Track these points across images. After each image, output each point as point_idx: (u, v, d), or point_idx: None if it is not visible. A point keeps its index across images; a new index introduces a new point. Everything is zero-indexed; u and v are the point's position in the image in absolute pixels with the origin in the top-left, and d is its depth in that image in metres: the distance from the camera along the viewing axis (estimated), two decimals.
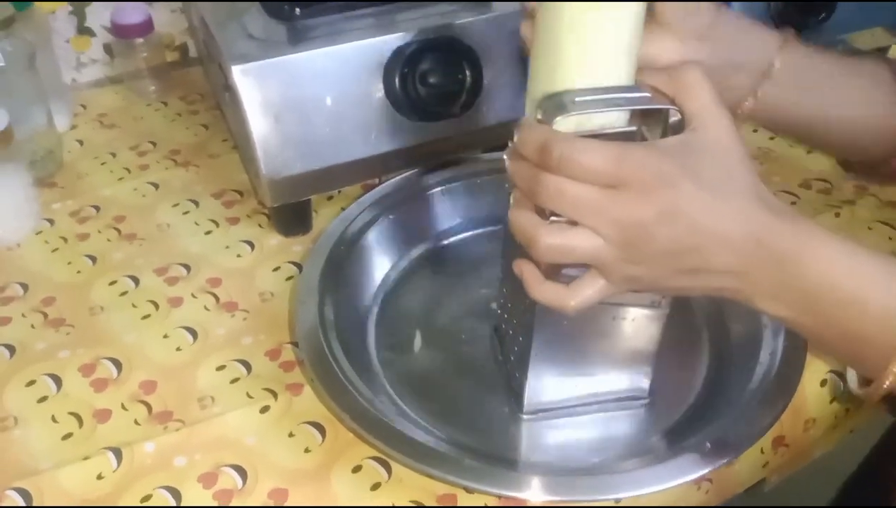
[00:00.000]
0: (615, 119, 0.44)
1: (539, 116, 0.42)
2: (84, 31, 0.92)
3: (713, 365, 0.57)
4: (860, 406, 0.61)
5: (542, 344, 0.50)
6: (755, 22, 0.52)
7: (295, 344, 0.60)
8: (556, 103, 0.42)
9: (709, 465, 0.46)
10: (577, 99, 0.42)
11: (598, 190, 0.39)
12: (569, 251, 0.41)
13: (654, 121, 0.44)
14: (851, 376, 0.46)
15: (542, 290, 0.44)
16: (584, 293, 0.43)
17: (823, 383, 0.58)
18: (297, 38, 0.66)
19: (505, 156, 0.43)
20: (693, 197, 0.39)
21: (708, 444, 0.47)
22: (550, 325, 0.49)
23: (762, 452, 0.55)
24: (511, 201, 0.44)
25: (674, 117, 0.42)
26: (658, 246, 0.40)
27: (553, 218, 0.41)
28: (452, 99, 0.67)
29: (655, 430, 0.53)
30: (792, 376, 0.52)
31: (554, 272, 0.44)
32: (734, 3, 0.79)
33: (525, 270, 0.44)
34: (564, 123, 0.41)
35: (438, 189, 0.70)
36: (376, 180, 0.73)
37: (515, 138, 0.42)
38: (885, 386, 0.42)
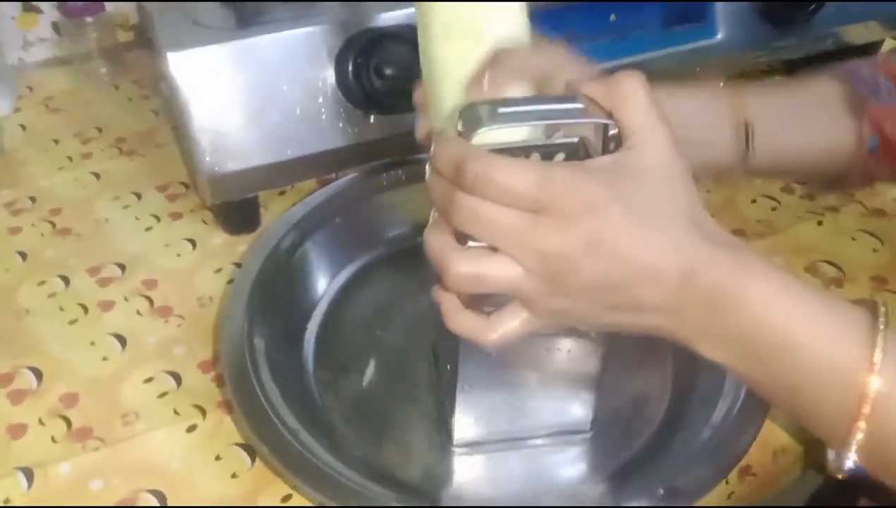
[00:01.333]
0: (562, 128, 0.39)
1: (459, 128, 0.38)
2: (30, 7, 0.86)
3: (675, 397, 0.53)
4: None
5: (470, 375, 0.46)
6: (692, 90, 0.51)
7: None
8: (477, 114, 0.37)
9: None
10: (500, 110, 0.37)
11: (517, 214, 0.35)
12: (483, 280, 0.36)
13: (594, 131, 0.40)
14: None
15: (459, 321, 0.39)
16: (504, 326, 0.38)
17: None
18: (244, 24, 0.62)
19: (426, 169, 0.39)
20: (621, 226, 0.35)
21: (661, 490, 0.42)
22: (478, 356, 0.44)
23: (727, 483, 0.52)
24: (430, 220, 0.39)
25: (613, 130, 0.38)
26: (583, 279, 0.36)
27: (471, 243, 0.37)
28: (409, 92, 0.63)
29: (603, 469, 0.49)
30: (757, 411, 0.47)
31: (476, 301, 0.39)
32: None
33: (442, 298, 0.40)
34: (489, 136, 0.37)
35: (393, 189, 0.65)
36: (333, 175, 0.68)
37: (432, 150, 0.38)
38: (847, 464, 0.37)
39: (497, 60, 0.42)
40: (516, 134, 0.39)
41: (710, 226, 0.37)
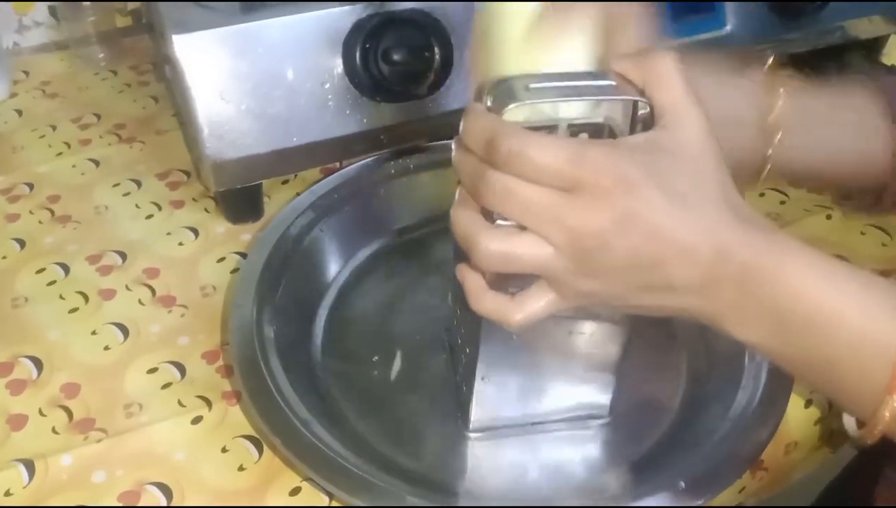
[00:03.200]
0: (579, 109, 0.39)
1: (488, 103, 0.37)
2: None
3: (690, 388, 0.52)
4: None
5: (490, 358, 0.45)
6: (730, 68, 0.49)
7: None
8: (508, 89, 0.36)
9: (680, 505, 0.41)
10: (531, 85, 0.36)
11: (550, 192, 0.35)
12: (513, 259, 0.36)
13: (622, 112, 0.39)
14: (848, 419, 0.42)
15: (484, 302, 0.39)
16: (530, 307, 0.38)
17: (808, 404, 0.54)
18: (250, 6, 0.60)
19: (452, 146, 0.38)
20: (656, 204, 0.35)
21: (682, 483, 0.42)
22: (498, 338, 0.44)
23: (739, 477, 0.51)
24: (455, 197, 0.39)
25: (643, 110, 0.37)
26: (615, 258, 0.35)
27: (499, 221, 0.36)
28: (419, 78, 0.62)
29: (621, 459, 0.49)
30: (777, 403, 0.47)
31: (500, 282, 0.38)
32: None
33: (467, 278, 0.39)
34: (518, 113, 0.36)
35: (401, 178, 0.64)
36: (337, 165, 0.67)
37: (461, 126, 0.37)
38: (876, 432, 0.37)
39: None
40: (542, 112, 0.38)
41: (744, 208, 0.37)
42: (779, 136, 0.48)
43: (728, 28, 0.75)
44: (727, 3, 0.74)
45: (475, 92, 0.42)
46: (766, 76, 0.49)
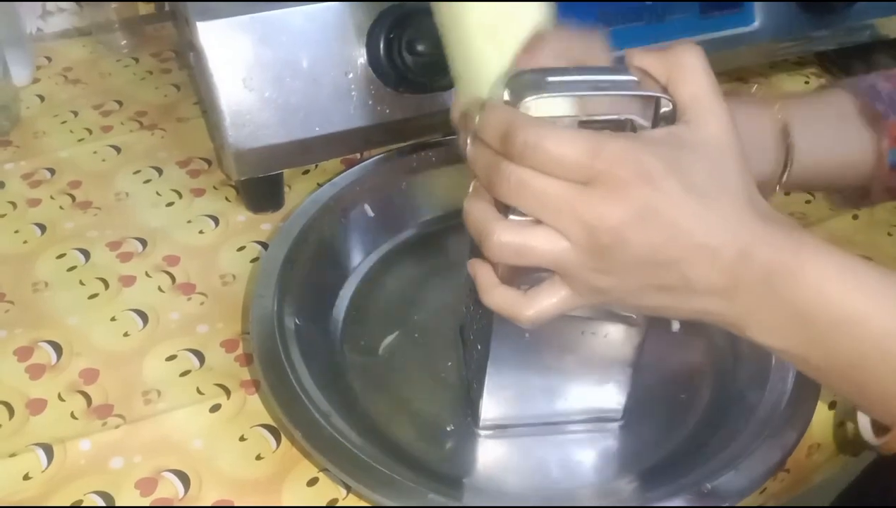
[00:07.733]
0: (604, 104, 0.38)
1: (506, 97, 0.36)
2: None
3: (715, 389, 0.51)
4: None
5: (501, 355, 0.45)
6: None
7: None
8: (525, 82, 0.36)
9: None
10: (550, 78, 0.35)
11: (566, 185, 0.34)
12: (526, 252, 0.35)
13: (645, 108, 0.38)
14: (864, 422, 0.40)
15: (495, 296, 0.38)
16: (542, 303, 0.37)
17: (832, 405, 0.53)
18: None
19: (469, 140, 0.37)
20: (676, 200, 0.34)
21: (708, 486, 0.41)
22: (510, 335, 0.43)
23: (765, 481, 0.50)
24: (470, 190, 0.38)
25: (666, 108, 0.36)
26: (631, 254, 0.34)
27: (513, 215, 0.35)
28: (442, 70, 0.61)
29: (642, 461, 0.48)
30: (804, 406, 0.46)
31: (513, 277, 0.38)
32: None
33: (479, 271, 0.39)
34: (540, 107, 0.35)
35: (424, 171, 0.63)
36: (357, 155, 0.67)
37: (477, 119, 0.36)
38: None
39: (541, 40, 0.40)
40: (563, 107, 0.38)
41: (764, 205, 0.36)
42: (793, 151, 0.48)
43: (756, 24, 0.74)
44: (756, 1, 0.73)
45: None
46: (765, 96, 0.50)
